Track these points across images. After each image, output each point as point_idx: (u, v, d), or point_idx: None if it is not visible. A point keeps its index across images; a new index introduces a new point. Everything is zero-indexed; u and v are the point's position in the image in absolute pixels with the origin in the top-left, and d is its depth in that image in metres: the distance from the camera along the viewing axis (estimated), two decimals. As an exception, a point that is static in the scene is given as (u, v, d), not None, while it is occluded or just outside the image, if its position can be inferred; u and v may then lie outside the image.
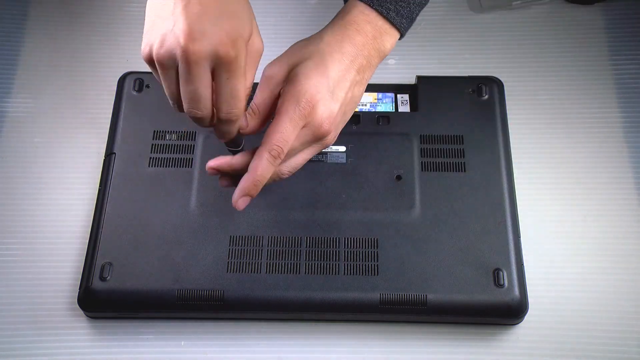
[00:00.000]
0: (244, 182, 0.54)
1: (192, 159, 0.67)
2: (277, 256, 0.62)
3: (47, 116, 0.74)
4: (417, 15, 0.60)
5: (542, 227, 0.67)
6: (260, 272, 0.62)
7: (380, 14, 0.57)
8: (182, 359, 0.62)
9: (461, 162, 0.67)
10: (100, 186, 0.66)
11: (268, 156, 0.53)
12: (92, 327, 0.63)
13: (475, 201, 0.65)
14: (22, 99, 0.75)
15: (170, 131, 0.69)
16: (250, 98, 0.54)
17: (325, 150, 0.67)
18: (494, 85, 0.71)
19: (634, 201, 0.69)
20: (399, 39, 0.59)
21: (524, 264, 0.63)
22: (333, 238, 0.63)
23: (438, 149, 0.68)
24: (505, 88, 0.71)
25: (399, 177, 0.66)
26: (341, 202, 0.65)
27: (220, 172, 0.56)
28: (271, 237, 0.63)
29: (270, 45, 0.78)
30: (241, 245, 0.63)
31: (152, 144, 0.68)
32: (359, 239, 0.63)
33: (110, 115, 0.71)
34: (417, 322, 0.63)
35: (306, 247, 0.63)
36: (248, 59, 0.52)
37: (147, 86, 0.71)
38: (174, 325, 0.63)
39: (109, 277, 0.62)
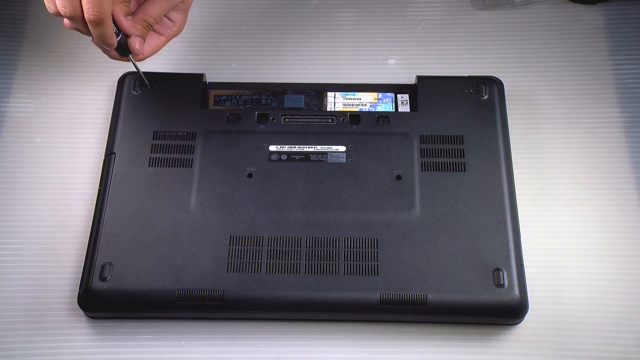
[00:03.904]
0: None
1: (192, 159, 0.67)
2: (277, 256, 0.62)
3: (47, 116, 0.74)
4: None
5: (542, 227, 0.67)
6: (260, 272, 0.62)
7: None
8: (182, 359, 0.62)
9: (461, 162, 0.67)
10: (100, 186, 0.66)
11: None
12: (92, 327, 0.63)
13: (475, 201, 0.65)
14: (22, 99, 0.75)
15: (171, 131, 0.69)
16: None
17: (325, 150, 0.67)
18: (493, 85, 0.71)
19: (634, 201, 0.69)
20: None
21: (524, 264, 0.63)
22: (333, 238, 0.63)
23: (438, 149, 0.68)
24: (505, 88, 0.71)
25: (399, 177, 0.66)
26: (341, 202, 0.65)
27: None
28: (271, 237, 0.63)
29: (270, 46, 0.79)
30: (241, 245, 0.63)
31: (152, 144, 0.68)
32: (359, 239, 0.63)
33: (110, 115, 0.71)
34: (417, 322, 0.63)
35: (306, 247, 0.63)
36: None
37: (147, 86, 0.71)
38: (174, 325, 0.63)
39: (109, 277, 0.62)
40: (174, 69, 0.76)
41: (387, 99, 0.72)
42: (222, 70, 0.76)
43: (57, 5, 0.58)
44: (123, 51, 0.63)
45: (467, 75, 0.72)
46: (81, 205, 0.68)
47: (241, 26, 0.80)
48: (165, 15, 0.66)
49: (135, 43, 0.63)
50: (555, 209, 0.68)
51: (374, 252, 0.63)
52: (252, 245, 0.63)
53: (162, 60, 0.76)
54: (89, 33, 0.60)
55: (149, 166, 0.67)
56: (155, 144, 0.68)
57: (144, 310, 0.62)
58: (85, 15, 0.58)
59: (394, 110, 0.71)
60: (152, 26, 0.63)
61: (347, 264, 0.62)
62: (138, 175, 0.66)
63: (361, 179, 0.66)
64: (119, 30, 0.61)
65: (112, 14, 0.60)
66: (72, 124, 0.73)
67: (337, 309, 0.61)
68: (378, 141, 0.68)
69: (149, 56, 0.66)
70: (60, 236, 0.67)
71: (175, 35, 0.67)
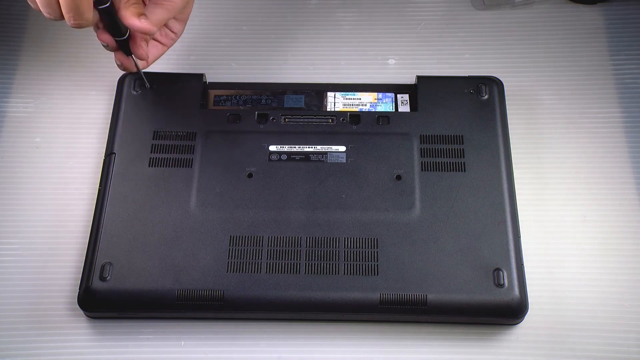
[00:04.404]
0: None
1: (192, 159, 0.67)
2: (277, 256, 0.62)
3: (47, 116, 0.74)
4: None
5: (542, 227, 0.67)
6: (260, 272, 0.62)
7: None
8: (182, 359, 0.62)
9: (461, 162, 0.67)
10: (100, 186, 0.66)
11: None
12: (92, 327, 0.63)
13: (475, 201, 0.65)
14: (22, 99, 0.75)
15: (171, 131, 0.69)
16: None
17: (325, 150, 0.68)
18: (494, 85, 0.71)
19: (634, 201, 0.69)
20: None
21: (524, 264, 0.63)
22: (333, 238, 0.63)
23: (438, 149, 0.68)
24: (505, 88, 0.71)
25: (399, 177, 0.66)
26: (341, 202, 0.65)
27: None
28: (271, 237, 0.63)
29: (270, 47, 0.79)
30: (241, 245, 0.63)
31: (152, 144, 0.68)
32: (359, 239, 0.63)
33: (110, 115, 0.71)
34: (417, 322, 0.63)
35: (306, 247, 0.63)
36: None
37: (147, 86, 0.71)
38: (174, 325, 0.63)
39: (109, 277, 0.62)
40: (174, 69, 0.76)
41: (387, 99, 0.72)
42: (222, 70, 0.76)
43: (38, 4, 0.59)
44: (127, 51, 0.65)
45: (467, 75, 0.72)
46: (81, 205, 0.68)
47: (241, 26, 0.80)
48: (167, 27, 0.68)
49: (140, 48, 0.64)
50: (555, 209, 0.68)
51: (374, 252, 0.63)
52: (252, 245, 0.63)
53: (162, 60, 0.76)
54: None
55: (149, 166, 0.67)
56: (155, 144, 0.68)
57: (144, 310, 0.62)
58: (67, 22, 0.59)
59: (394, 110, 0.71)
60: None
61: (347, 264, 0.62)
62: (138, 175, 0.66)
63: (361, 179, 0.66)
64: (126, 29, 0.63)
65: (126, 20, 0.60)
66: (72, 124, 0.73)
67: (337, 309, 0.61)
68: (378, 141, 0.68)
69: (151, 64, 0.68)
70: (60, 236, 0.67)
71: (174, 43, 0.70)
